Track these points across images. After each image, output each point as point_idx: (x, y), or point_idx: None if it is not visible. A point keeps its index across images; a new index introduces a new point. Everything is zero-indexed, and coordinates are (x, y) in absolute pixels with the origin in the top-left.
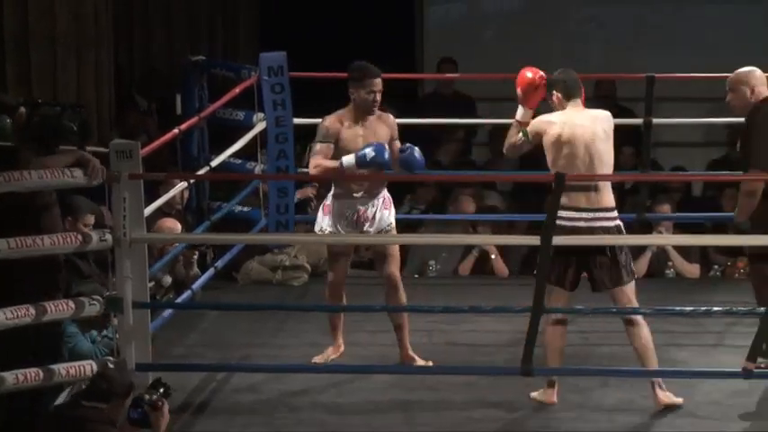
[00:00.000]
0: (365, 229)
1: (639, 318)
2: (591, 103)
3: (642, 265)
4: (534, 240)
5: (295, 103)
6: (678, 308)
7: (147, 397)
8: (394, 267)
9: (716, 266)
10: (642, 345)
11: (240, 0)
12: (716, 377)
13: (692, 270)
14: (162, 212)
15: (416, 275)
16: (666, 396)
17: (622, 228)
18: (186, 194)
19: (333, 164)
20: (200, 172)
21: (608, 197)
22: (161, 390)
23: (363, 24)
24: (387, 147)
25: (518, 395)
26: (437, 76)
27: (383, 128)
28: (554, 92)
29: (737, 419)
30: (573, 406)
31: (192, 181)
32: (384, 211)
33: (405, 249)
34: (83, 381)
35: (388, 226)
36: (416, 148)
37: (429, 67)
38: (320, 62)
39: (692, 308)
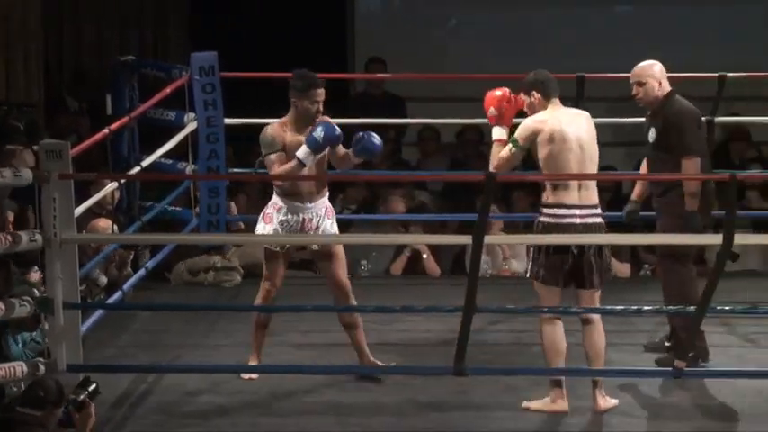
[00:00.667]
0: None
1: (598, 318)
2: None
3: None
4: (466, 240)
5: (226, 104)
6: (609, 307)
7: (72, 397)
8: (341, 271)
9: (646, 265)
10: (593, 345)
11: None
12: (647, 376)
13: (623, 269)
14: (93, 213)
15: (349, 275)
16: (605, 401)
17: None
18: (117, 195)
19: (291, 165)
20: (131, 172)
21: (595, 194)
22: (88, 389)
23: (293, 24)
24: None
25: (451, 395)
26: (367, 76)
27: None
28: (534, 92)
29: (670, 418)
30: (506, 405)
31: (122, 181)
32: (327, 220)
33: None
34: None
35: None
36: (371, 133)
37: (359, 68)
38: (251, 62)
39: (622, 307)
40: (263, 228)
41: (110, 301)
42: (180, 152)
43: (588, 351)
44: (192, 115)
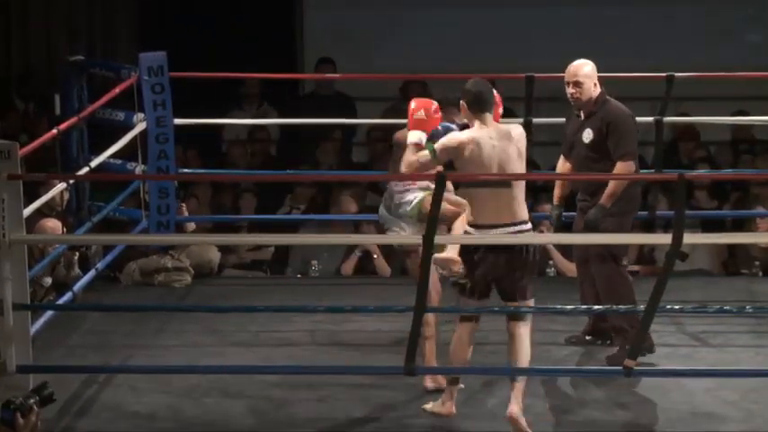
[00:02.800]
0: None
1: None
2: None
3: None
4: (417, 240)
5: (175, 104)
6: (559, 306)
7: (18, 401)
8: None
9: None
10: (519, 347)
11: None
12: (597, 375)
13: (573, 268)
14: (42, 214)
15: (299, 275)
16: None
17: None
18: (66, 195)
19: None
20: (80, 173)
21: (522, 210)
22: (41, 395)
23: (243, 24)
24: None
25: (401, 395)
26: (317, 76)
27: None
28: (462, 102)
29: (619, 417)
30: (457, 405)
31: (71, 182)
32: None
33: (285, 250)
34: None
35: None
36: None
37: (309, 68)
38: (201, 62)
39: (572, 306)
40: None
41: (60, 301)
42: (129, 152)
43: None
44: (141, 115)
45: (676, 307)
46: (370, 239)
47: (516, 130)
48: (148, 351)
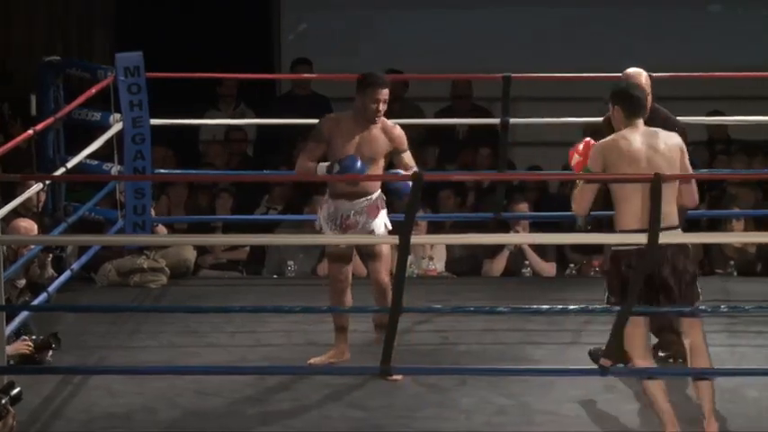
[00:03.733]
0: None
1: None
2: (448, 102)
3: (499, 264)
4: (393, 240)
5: (152, 104)
6: (535, 306)
7: None
8: (383, 271)
9: (572, 265)
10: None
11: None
12: (573, 375)
13: (549, 268)
14: (19, 215)
15: (275, 276)
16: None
17: None
18: (42, 196)
19: (311, 166)
20: (57, 173)
21: (672, 215)
22: (10, 394)
23: (220, 25)
24: (358, 159)
25: (377, 395)
26: (293, 76)
27: (383, 139)
28: (616, 107)
29: (595, 417)
30: (431, 405)
31: (47, 182)
32: (371, 219)
33: (262, 250)
34: None
35: (369, 234)
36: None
37: (286, 68)
38: (178, 62)
39: (548, 306)
40: (318, 215)
41: (35, 302)
42: (106, 153)
43: None
44: (117, 116)
45: (652, 308)
46: (345, 240)
47: (671, 139)
48: (124, 352)
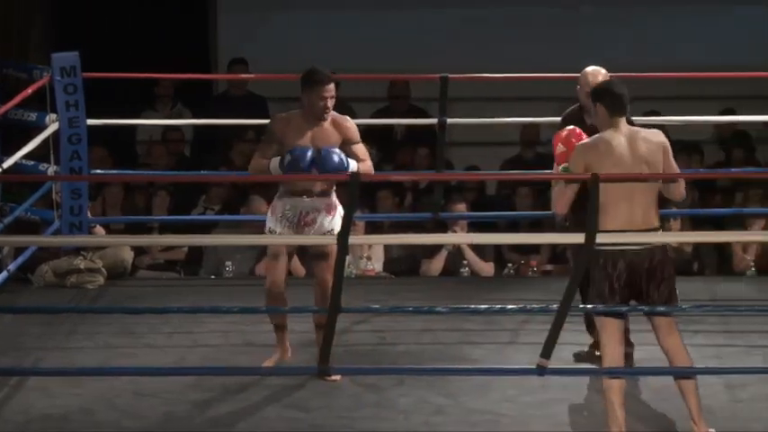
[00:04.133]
0: (304, 231)
1: None
2: (385, 102)
3: (437, 264)
4: (331, 240)
5: (89, 104)
6: (473, 306)
7: None
8: (328, 274)
9: (510, 265)
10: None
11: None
12: (510, 374)
13: (487, 268)
14: None
15: (213, 276)
16: None
17: None
18: None
19: (264, 164)
20: None
21: (654, 217)
22: None
23: (157, 25)
24: (309, 150)
25: (315, 395)
26: (229, 76)
27: (334, 133)
28: (598, 104)
29: (533, 416)
30: (369, 405)
31: None
32: (327, 216)
33: (199, 251)
34: None
35: (327, 232)
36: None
37: (223, 68)
38: (115, 63)
39: (486, 306)
40: (269, 218)
41: None
42: (42, 153)
43: None
44: (53, 116)
45: (590, 306)
46: (284, 240)
47: (655, 137)
48: (61, 353)
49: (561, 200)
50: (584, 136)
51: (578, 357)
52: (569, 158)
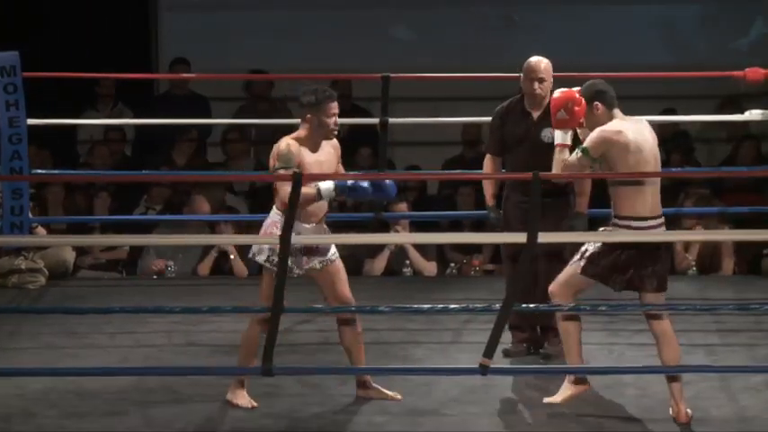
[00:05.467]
0: (310, 263)
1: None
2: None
3: (380, 264)
4: (275, 241)
5: (29, 104)
6: (416, 306)
7: None
8: (346, 287)
9: (452, 264)
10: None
11: None
12: (453, 374)
13: (429, 268)
14: None
15: (155, 276)
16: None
17: None
18: None
19: (309, 191)
20: None
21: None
22: None
23: (98, 24)
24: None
25: (258, 395)
26: (170, 75)
27: (333, 152)
28: (596, 103)
29: (476, 415)
30: (313, 405)
31: None
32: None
33: (138, 251)
34: None
35: (332, 255)
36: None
37: (165, 68)
38: (55, 62)
39: (429, 305)
40: (268, 249)
41: None
42: None
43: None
44: None
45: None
46: (227, 240)
47: (643, 120)
48: (2, 353)
49: (572, 170)
50: (582, 101)
51: (507, 353)
52: (591, 144)
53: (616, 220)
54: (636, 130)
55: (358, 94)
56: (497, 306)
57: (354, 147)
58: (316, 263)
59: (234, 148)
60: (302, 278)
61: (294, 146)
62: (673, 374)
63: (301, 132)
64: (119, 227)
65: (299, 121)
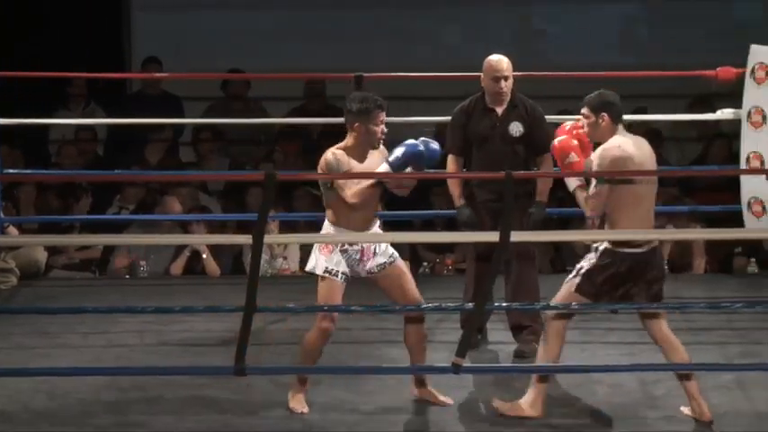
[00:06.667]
0: (368, 267)
1: None
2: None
3: None
4: (246, 239)
5: (0, 104)
6: (389, 305)
7: None
8: (413, 288)
9: (425, 263)
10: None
11: None
12: (426, 373)
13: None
14: None
15: (127, 276)
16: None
17: None
18: None
19: (368, 183)
20: None
21: None
22: None
23: (71, 24)
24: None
25: (230, 395)
26: (142, 75)
27: (382, 159)
28: (604, 114)
29: (449, 414)
30: (287, 403)
31: None
32: (382, 245)
33: (110, 250)
34: None
35: (390, 257)
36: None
37: (137, 67)
38: (27, 61)
39: (402, 305)
40: (324, 260)
41: None
42: None
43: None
44: None
45: (497, 303)
46: (199, 240)
47: (642, 139)
48: None
49: (597, 201)
50: (581, 135)
51: (521, 354)
52: (599, 168)
53: (612, 247)
54: (637, 146)
55: (332, 93)
56: (470, 305)
57: (329, 146)
58: (374, 266)
59: (205, 148)
60: (275, 278)
61: (342, 155)
62: (685, 373)
63: (348, 141)
64: (92, 227)
65: (272, 120)
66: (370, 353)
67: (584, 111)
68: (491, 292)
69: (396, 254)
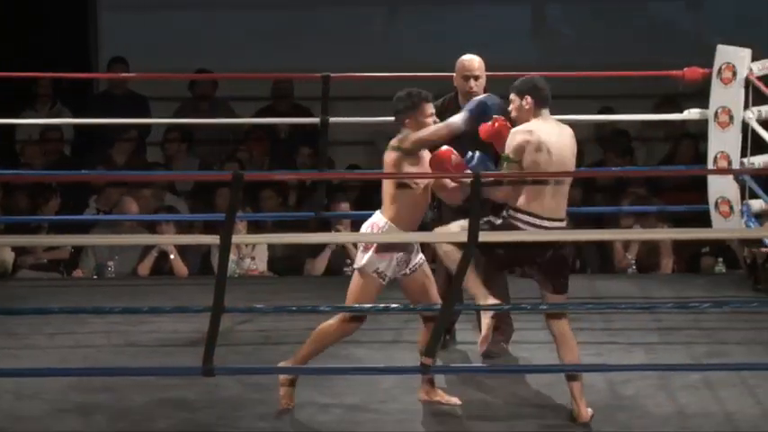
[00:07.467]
0: (409, 266)
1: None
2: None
3: (321, 264)
4: (213, 240)
5: None
6: (357, 305)
7: None
8: (435, 290)
9: None
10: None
11: None
12: (394, 373)
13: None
14: None
15: (95, 276)
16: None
17: None
18: None
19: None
20: None
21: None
22: None
23: (37, 24)
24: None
25: (199, 395)
26: (108, 75)
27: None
28: (528, 97)
29: (417, 414)
30: (254, 404)
31: None
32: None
33: (78, 251)
34: None
35: (422, 258)
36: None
37: (104, 68)
38: None
39: (369, 305)
40: (376, 260)
41: None
42: None
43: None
44: None
45: (470, 302)
46: (167, 240)
47: (568, 128)
48: None
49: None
50: (508, 124)
51: (489, 355)
52: (510, 149)
53: (511, 212)
54: (549, 132)
55: (300, 93)
56: (438, 305)
57: (296, 146)
58: (406, 269)
59: (174, 148)
60: (243, 279)
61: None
62: (573, 374)
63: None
64: (62, 227)
65: (240, 121)
66: (337, 353)
67: (511, 96)
68: (461, 292)
69: (423, 256)
